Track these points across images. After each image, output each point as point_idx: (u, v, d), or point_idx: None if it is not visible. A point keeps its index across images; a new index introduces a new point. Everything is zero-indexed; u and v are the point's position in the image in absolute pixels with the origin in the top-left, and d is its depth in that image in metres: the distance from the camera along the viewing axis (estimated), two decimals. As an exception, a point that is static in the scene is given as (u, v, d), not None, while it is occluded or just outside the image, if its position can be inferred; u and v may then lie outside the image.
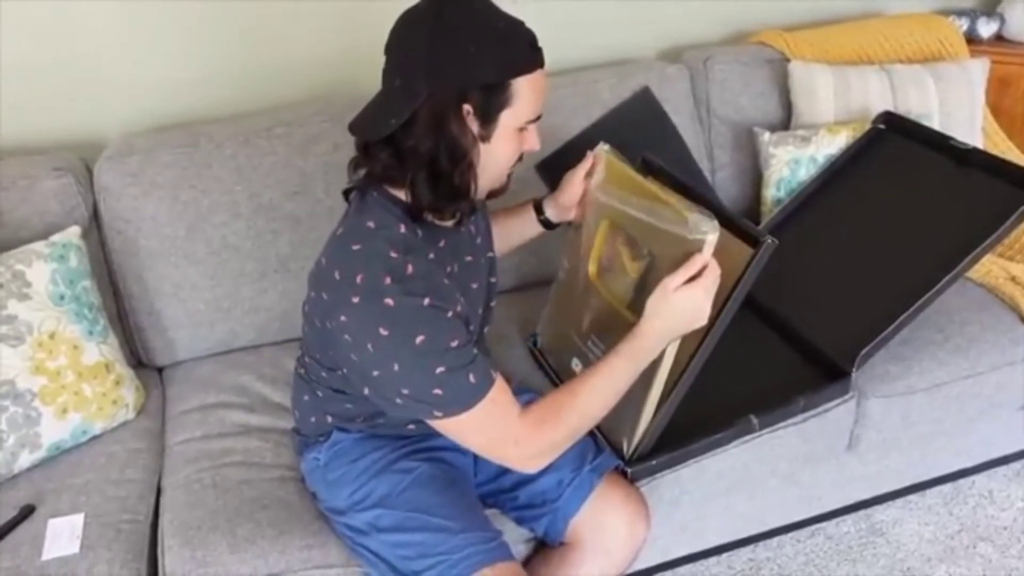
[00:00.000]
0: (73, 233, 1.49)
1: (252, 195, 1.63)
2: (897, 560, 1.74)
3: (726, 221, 1.26)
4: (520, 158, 1.15)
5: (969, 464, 1.87)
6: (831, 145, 1.81)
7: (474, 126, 1.06)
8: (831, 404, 1.51)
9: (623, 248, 1.28)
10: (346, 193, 1.19)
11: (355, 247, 1.08)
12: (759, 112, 1.96)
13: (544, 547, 1.36)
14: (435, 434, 1.18)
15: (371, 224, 1.10)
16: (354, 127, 1.11)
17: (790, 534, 1.79)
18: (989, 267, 1.77)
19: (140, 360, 1.70)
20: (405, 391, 1.07)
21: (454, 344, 1.07)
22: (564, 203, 1.40)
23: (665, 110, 1.89)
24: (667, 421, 1.30)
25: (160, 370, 1.71)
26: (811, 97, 1.90)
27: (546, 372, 1.55)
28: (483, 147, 1.08)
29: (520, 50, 1.06)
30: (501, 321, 1.69)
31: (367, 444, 1.27)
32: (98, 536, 1.27)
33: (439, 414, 1.08)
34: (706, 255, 1.12)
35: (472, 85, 1.04)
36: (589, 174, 1.36)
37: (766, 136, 1.85)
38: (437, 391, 1.06)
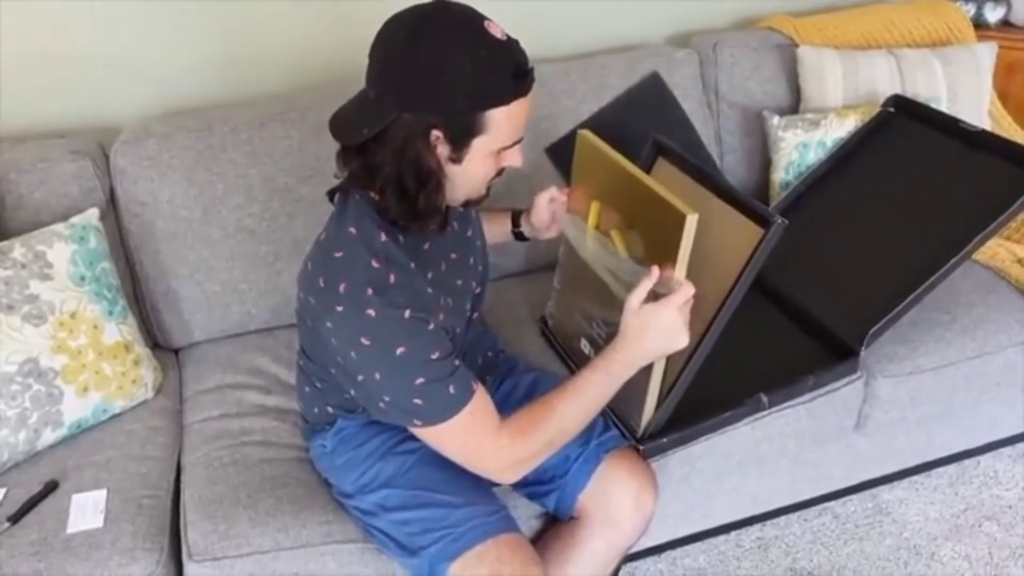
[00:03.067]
0: (92, 215, 1.51)
1: (267, 178, 1.65)
2: (903, 539, 1.76)
3: (736, 202, 1.28)
4: (500, 172, 1.13)
5: (974, 444, 1.89)
6: (840, 129, 1.82)
7: (444, 150, 1.04)
8: (840, 383, 1.53)
9: (615, 231, 1.29)
10: (330, 194, 1.19)
11: (337, 255, 1.09)
12: (768, 97, 1.98)
13: (555, 521, 1.38)
14: None
15: (353, 231, 1.10)
16: (332, 126, 1.09)
17: (797, 513, 1.81)
18: (996, 249, 1.79)
19: (156, 341, 1.72)
20: (387, 398, 1.09)
21: (435, 356, 1.09)
22: (534, 223, 1.43)
23: (674, 95, 1.90)
24: (679, 400, 1.32)
25: (176, 351, 1.73)
26: (820, 81, 1.92)
27: (557, 352, 1.57)
28: (455, 167, 1.07)
29: (498, 81, 1.01)
30: (512, 303, 1.72)
31: (371, 428, 1.29)
32: (121, 511, 1.30)
33: (419, 423, 1.11)
34: (656, 271, 1.13)
35: (442, 114, 1.01)
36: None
37: (775, 120, 1.86)
38: (417, 401, 1.09)
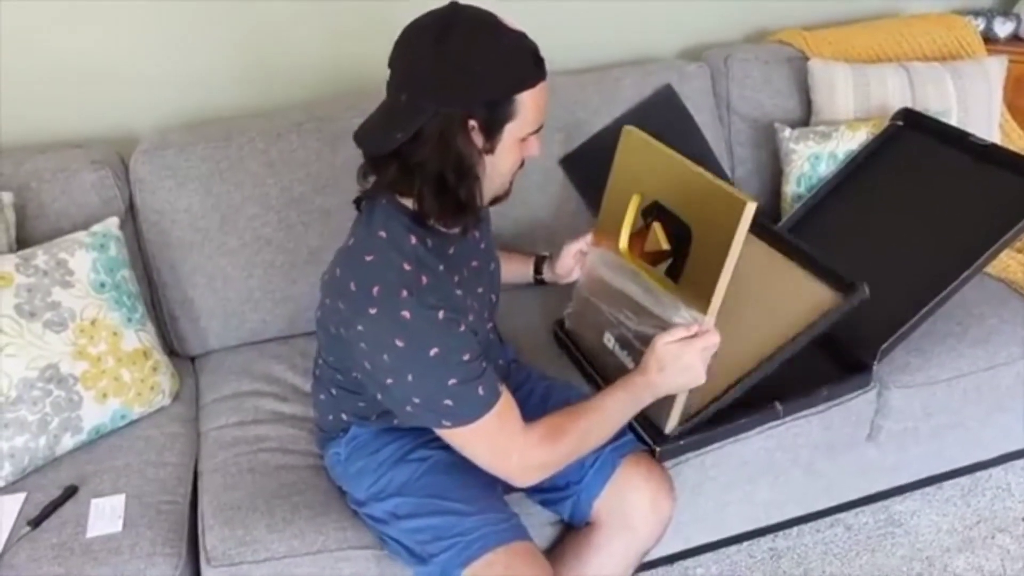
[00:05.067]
0: (112, 223, 1.53)
1: (283, 188, 1.66)
2: (916, 550, 1.76)
3: (808, 262, 1.35)
4: (521, 164, 1.17)
5: (986, 456, 1.89)
6: (852, 141, 1.83)
7: (479, 140, 1.08)
8: (853, 395, 1.54)
9: (655, 222, 1.31)
10: (357, 202, 1.21)
11: (368, 258, 1.11)
12: (779, 109, 1.99)
13: (570, 529, 1.39)
14: None
15: (382, 234, 1.12)
16: (360, 139, 1.11)
17: (809, 524, 1.81)
18: (1007, 262, 1.79)
19: (173, 349, 1.73)
20: (416, 400, 1.11)
21: (466, 357, 1.10)
22: (558, 271, 1.50)
23: (686, 107, 1.93)
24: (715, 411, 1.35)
25: (193, 359, 1.74)
26: (831, 94, 1.93)
27: (571, 355, 1.57)
28: (488, 159, 1.10)
29: (524, 66, 1.07)
30: (526, 310, 1.73)
31: (385, 436, 1.30)
32: (139, 516, 1.31)
33: (448, 424, 1.13)
34: (692, 328, 1.21)
35: (478, 103, 1.05)
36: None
37: (787, 132, 1.87)
38: (448, 402, 1.10)
